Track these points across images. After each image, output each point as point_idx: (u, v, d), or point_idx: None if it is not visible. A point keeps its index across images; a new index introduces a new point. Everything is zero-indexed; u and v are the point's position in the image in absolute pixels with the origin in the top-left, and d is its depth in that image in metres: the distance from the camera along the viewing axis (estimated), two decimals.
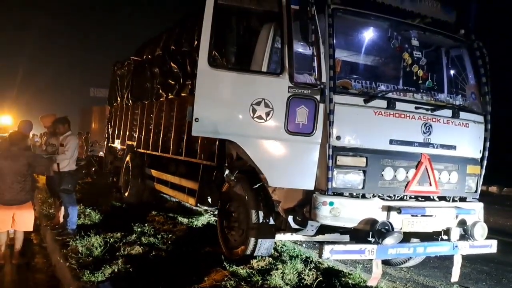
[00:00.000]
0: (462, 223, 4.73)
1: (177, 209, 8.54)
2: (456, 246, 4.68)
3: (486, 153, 5.10)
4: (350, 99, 4.28)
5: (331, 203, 4.17)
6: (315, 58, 4.20)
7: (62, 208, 6.80)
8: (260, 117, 4.17)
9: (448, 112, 4.75)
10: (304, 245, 6.43)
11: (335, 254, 4.09)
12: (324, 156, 4.20)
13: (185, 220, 7.47)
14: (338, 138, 4.20)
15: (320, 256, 4.13)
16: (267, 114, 4.18)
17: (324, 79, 4.18)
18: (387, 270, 5.58)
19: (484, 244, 4.86)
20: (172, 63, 7.19)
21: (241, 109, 4.18)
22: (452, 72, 5.30)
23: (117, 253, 5.31)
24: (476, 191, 5.09)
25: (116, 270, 4.74)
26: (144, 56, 8.95)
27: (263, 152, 4.33)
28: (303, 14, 4.11)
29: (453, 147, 4.76)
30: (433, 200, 4.75)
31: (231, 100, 4.26)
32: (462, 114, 4.86)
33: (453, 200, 4.87)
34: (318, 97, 4.20)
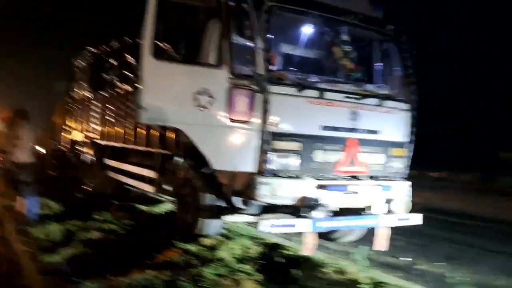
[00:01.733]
0: (388, 199, 5.32)
1: (140, 198, 8.83)
2: (383, 219, 5.27)
3: (413, 137, 5.70)
4: (285, 89, 4.74)
5: (269, 184, 4.64)
6: (252, 51, 4.63)
7: (23, 199, 7.02)
8: (202, 106, 4.58)
9: (374, 101, 5.31)
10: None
11: (271, 228, 4.58)
12: (261, 141, 4.66)
13: (145, 208, 7.81)
14: (274, 124, 4.66)
15: (259, 230, 4.61)
16: (209, 103, 4.60)
17: (260, 71, 4.62)
18: (327, 245, 6.14)
19: (409, 217, 5.48)
20: (127, 55, 7.48)
21: (184, 99, 4.57)
22: (381, 64, 5.87)
23: (76, 239, 5.63)
24: (403, 171, 5.68)
25: (74, 252, 5.08)
26: (103, 48, 9.18)
27: (206, 138, 4.75)
28: (240, 10, 4.54)
29: (378, 132, 5.32)
30: (362, 179, 5.30)
31: (175, 90, 4.64)
32: (388, 103, 5.42)
33: (380, 179, 5.44)
34: (255, 87, 4.64)
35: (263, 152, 4.64)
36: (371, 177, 5.44)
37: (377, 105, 5.36)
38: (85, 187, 9.57)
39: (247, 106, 4.63)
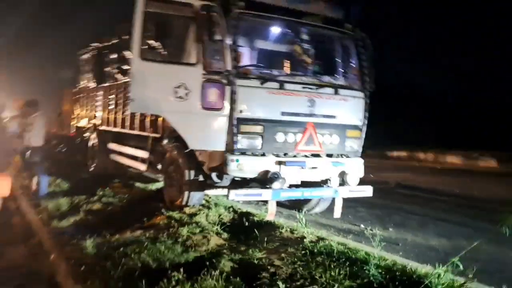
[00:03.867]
0: (341, 174, 6.26)
1: (137, 178, 9.86)
2: (337, 191, 6.23)
3: (366, 121, 6.61)
4: (249, 82, 5.68)
5: (237, 160, 5.61)
6: (222, 51, 5.56)
7: (35, 177, 8.10)
8: (180, 97, 5.53)
9: (330, 90, 6.22)
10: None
11: (238, 196, 5.58)
12: (230, 125, 5.61)
13: (141, 186, 8.84)
14: (240, 111, 5.61)
15: (227, 198, 5.61)
16: (186, 94, 5.54)
17: (229, 67, 5.55)
18: (295, 215, 7.11)
19: (360, 189, 6.43)
20: (125, 51, 8.41)
21: (166, 91, 5.51)
22: (339, 58, 6.74)
23: (80, 209, 6.69)
24: (357, 150, 6.61)
25: (78, 219, 6.14)
26: (104, 43, 10.12)
27: (184, 123, 5.70)
28: (211, 18, 5.46)
29: (333, 117, 6.25)
30: (319, 157, 6.25)
31: (158, 85, 5.57)
32: (343, 91, 6.33)
33: (336, 157, 6.38)
34: (224, 81, 5.58)
35: (232, 134, 5.60)
36: (329, 155, 6.38)
37: (333, 94, 6.27)
38: (89, 168, 10.63)
39: (218, 97, 5.57)
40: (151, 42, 5.54)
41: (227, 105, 5.62)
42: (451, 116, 24.85)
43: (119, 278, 3.78)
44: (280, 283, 3.45)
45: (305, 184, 6.44)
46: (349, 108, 6.43)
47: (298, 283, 3.68)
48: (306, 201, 7.15)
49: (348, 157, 6.49)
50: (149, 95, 5.54)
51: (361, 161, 6.58)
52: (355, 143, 6.56)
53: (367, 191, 6.49)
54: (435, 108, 25.36)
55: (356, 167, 6.43)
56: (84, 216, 6.30)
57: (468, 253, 5.21)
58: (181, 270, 3.69)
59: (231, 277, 3.69)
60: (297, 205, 7.28)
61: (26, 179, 9.21)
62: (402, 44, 25.60)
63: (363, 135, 6.64)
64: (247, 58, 6.54)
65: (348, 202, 7.58)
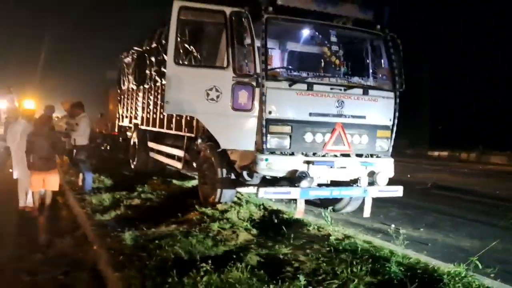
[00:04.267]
0: (371, 174, 6.33)
1: (175, 175, 10.29)
2: (366, 190, 6.31)
3: (396, 121, 6.63)
4: (278, 84, 5.87)
5: (266, 159, 5.83)
6: (252, 54, 5.78)
7: (80, 174, 8.67)
8: (212, 99, 5.80)
9: (359, 91, 6.30)
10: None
11: (267, 194, 5.79)
12: (260, 125, 5.84)
13: (178, 183, 9.22)
14: (270, 112, 5.82)
15: (257, 196, 5.83)
16: (217, 96, 5.81)
17: (258, 70, 5.77)
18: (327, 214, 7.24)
19: (391, 189, 6.47)
20: (163, 54, 8.82)
21: (199, 94, 5.80)
22: (368, 59, 6.79)
23: (121, 204, 7.12)
24: (387, 150, 6.65)
25: (119, 213, 6.57)
26: (144, 47, 10.61)
27: (215, 124, 5.98)
28: (241, 23, 5.70)
29: (363, 117, 6.32)
30: (349, 157, 6.34)
31: (191, 87, 5.86)
32: (372, 92, 6.39)
33: (366, 156, 6.45)
34: (254, 83, 5.81)
35: (261, 134, 5.82)
36: (359, 155, 6.46)
37: (363, 94, 6.35)
38: (131, 165, 11.18)
39: (247, 98, 5.81)
40: (185, 47, 5.85)
41: (256, 106, 5.85)
42: (499, 116, 23.92)
43: (153, 267, 4.08)
44: (301, 276, 3.62)
45: (335, 184, 6.57)
46: (378, 108, 6.48)
47: (320, 277, 3.83)
48: (337, 200, 7.25)
49: (378, 157, 6.54)
50: (183, 98, 5.85)
51: (391, 160, 6.61)
52: (385, 143, 6.60)
53: (398, 191, 6.52)
54: (483, 108, 24.47)
55: (386, 167, 6.47)
56: (124, 210, 6.72)
57: (500, 254, 5.20)
58: (209, 261, 3.94)
59: (255, 269, 3.91)
60: (328, 204, 7.37)
61: (72, 176, 9.86)
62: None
63: (393, 135, 6.67)
64: (277, 60, 6.72)
65: (381, 202, 7.63)
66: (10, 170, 8.00)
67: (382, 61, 6.68)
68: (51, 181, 7.40)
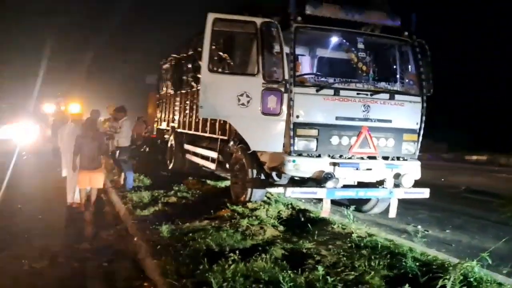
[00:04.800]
0: (396, 176, 6.52)
1: (209, 176, 10.78)
2: (392, 192, 6.51)
3: (423, 125, 6.79)
4: (306, 89, 6.20)
5: (293, 161, 6.16)
6: (280, 62, 6.14)
7: (122, 173, 9.30)
8: (243, 104, 6.20)
9: (386, 95, 6.51)
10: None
11: (294, 193, 6.11)
12: (288, 129, 6.17)
13: (212, 183, 9.69)
14: (297, 116, 6.15)
15: (284, 195, 6.16)
16: (248, 102, 6.20)
17: (286, 77, 6.12)
18: (357, 215, 7.45)
19: (417, 191, 6.63)
20: (199, 61, 9.32)
21: (230, 99, 6.21)
22: (395, 64, 6.99)
23: (159, 201, 7.65)
24: (414, 153, 6.81)
25: (157, 209, 7.08)
26: (181, 54, 11.19)
27: (246, 127, 6.36)
28: (270, 33, 6.07)
29: (389, 121, 6.53)
30: (375, 158, 6.56)
31: (223, 93, 6.28)
32: (398, 96, 6.59)
33: (392, 159, 6.64)
34: (282, 89, 6.16)
35: (289, 137, 6.16)
36: (386, 158, 6.66)
37: (389, 99, 6.56)
38: (168, 166, 11.78)
39: (276, 103, 6.17)
40: (218, 55, 6.28)
41: (284, 111, 6.19)
42: None
43: (186, 256, 4.51)
44: (319, 267, 3.93)
45: (362, 185, 6.80)
46: (405, 113, 6.66)
47: (339, 269, 4.13)
48: (365, 201, 7.47)
49: (404, 159, 6.71)
50: (216, 103, 6.27)
51: (418, 163, 6.76)
52: (411, 146, 6.76)
53: (424, 193, 6.66)
54: None
55: (411, 169, 6.62)
56: (161, 207, 7.23)
57: None
58: (237, 253, 4.32)
59: (279, 261, 4.25)
60: (356, 205, 7.61)
61: (115, 175, 10.54)
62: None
63: (420, 138, 6.82)
64: (305, 66, 7.05)
65: (410, 205, 7.82)
66: (58, 170, 8.70)
67: (409, 66, 6.86)
68: (97, 179, 8.00)
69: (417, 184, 6.65)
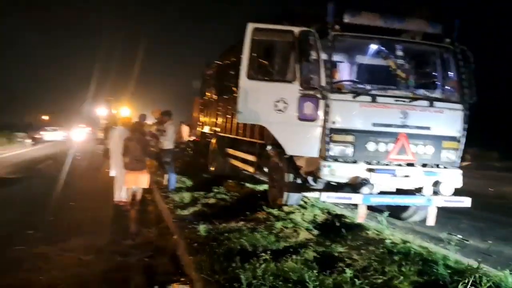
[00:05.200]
0: (435, 184, 6.43)
1: (249, 179, 11.00)
2: (430, 200, 6.42)
3: (465, 133, 6.65)
4: (342, 96, 6.26)
5: (329, 166, 6.23)
6: (317, 69, 6.26)
7: (166, 175, 9.72)
8: (280, 110, 6.36)
9: (425, 102, 6.45)
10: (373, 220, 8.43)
11: (329, 198, 6.17)
12: (324, 134, 6.26)
13: (251, 186, 9.89)
14: (333, 122, 6.23)
15: (319, 200, 6.25)
16: (285, 107, 6.35)
17: (323, 84, 6.22)
18: (396, 222, 7.38)
19: (457, 200, 6.49)
20: (240, 68, 9.59)
21: (268, 105, 6.39)
22: (435, 71, 6.90)
23: (198, 202, 7.95)
24: (454, 161, 6.68)
25: (196, 210, 7.38)
26: (224, 61, 11.54)
27: (282, 132, 6.51)
28: (307, 42, 6.21)
29: (427, 128, 6.45)
30: (413, 165, 6.50)
31: (261, 99, 6.46)
32: (438, 104, 6.50)
33: (432, 167, 6.56)
34: (319, 96, 6.26)
35: (325, 142, 6.25)
36: (424, 165, 6.58)
37: (428, 106, 6.49)
38: (210, 169, 12.14)
39: (312, 109, 6.28)
40: (257, 63, 6.49)
41: (321, 117, 6.29)
42: None
43: (221, 254, 4.73)
44: (348, 269, 4.01)
45: (400, 192, 6.75)
46: (445, 120, 6.55)
47: (368, 273, 4.19)
48: (404, 209, 7.39)
49: (444, 167, 6.61)
50: (254, 108, 6.48)
51: (459, 171, 6.63)
52: (452, 154, 6.64)
53: (464, 202, 6.51)
54: None
55: (451, 178, 6.50)
56: (201, 207, 7.53)
57: None
58: (269, 253, 4.48)
59: (309, 262, 4.37)
60: (396, 213, 7.55)
61: (159, 176, 11.01)
62: None
63: (462, 146, 6.68)
64: (342, 72, 7.11)
65: (453, 214, 7.68)
66: (106, 170, 9.24)
67: (450, 73, 6.76)
68: (142, 180, 8.38)
69: (462, 193, 6.52)
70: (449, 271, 4.17)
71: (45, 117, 42.95)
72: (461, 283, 3.72)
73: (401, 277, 4.00)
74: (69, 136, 37.63)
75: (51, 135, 36.49)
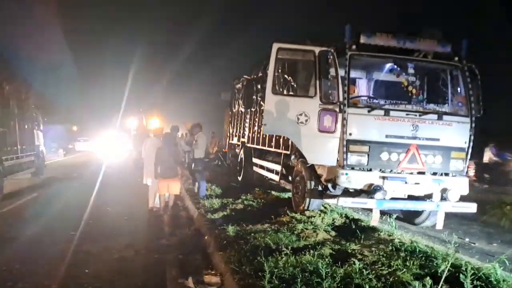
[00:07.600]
0: (443, 190, 6.96)
1: (275, 187, 11.67)
2: (438, 205, 6.95)
3: (471, 144, 7.17)
4: (358, 110, 6.91)
5: (346, 174, 6.87)
6: (336, 86, 6.94)
7: (196, 183, 10.51)
8: (301, 122, 7.06)
9: (434, 116, 7.02)
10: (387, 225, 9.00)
11: (346, 203, 6.80)
12: (341, 145, 6.91)
13: (276, 194, 10.57)
14: (350, 134, 6.87)
15: (336, 204, 6.87)
16: (306, 120, 7.05)
17: (341, 99, 6.89)
18: (410, 227, 7.89)
19: (464, 205, 7.00)
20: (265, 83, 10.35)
21: (290, 118, 7.10)
22: (444, 87, 7.47)
23: (227, 207, 8.68)
24: (462, 170, 7.19)
25: (225, 214, 8.11)
26: (252, 75, 12.33)
27: (304, 143, 7.19)
28: (327, 61, 6.91)
29: (437, 139, 7.01)
30: (424, 174, 7.05)
31: (285, 113, 7.18)
32: (447, 117, 7.05)
33: (441, 175, 7.09)
34: (337, 110, 6.93)
35: (342, 152, 6.89)
36: (434, 173, 7.12)
37: (437, 119, 7.05)
38: (238, 178, 12.88)
39: (331, 122, 6.95)
40: (281, 79, 7.22)
41: (339, 129, 6.95)
42: None
43: (247, 250, 5.42)
44: (356, 261, 4.63)
45: (412, 198, 7.30)
46: (453, 132, 7.09)
47: (376, 266, 4.80)
48: (417, 214, 7.93)
49: (453, 175, 7.12)
50: (278, 121, 7.20)
51: (466, 179, 7.14)
52: (459, 163, 7.16)
53: (471, 207, 7.01)
54: None
55: (458, 185, 7.02)
56: (229, 212, 8.26)
57: None
58: (290, 248, 5.15)
59: (325, 257, 5.01)
60: (409, 218, 8.09)
61: (190, 184, 11.82)
62: None
63: (468, 156, 7.19)
64: (361, 88, 7.78)
65: (466, 220, 8.13)
66: (139, 179, 10.02)
67: (458, 89, 7.30)
68: (174, 187, 9.16)
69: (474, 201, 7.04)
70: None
71: (75, 128, 44.58)
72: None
73: (404, 270, 4.58)
74: (100, 147, 39.07)
75: (82, 145, 37.22)
